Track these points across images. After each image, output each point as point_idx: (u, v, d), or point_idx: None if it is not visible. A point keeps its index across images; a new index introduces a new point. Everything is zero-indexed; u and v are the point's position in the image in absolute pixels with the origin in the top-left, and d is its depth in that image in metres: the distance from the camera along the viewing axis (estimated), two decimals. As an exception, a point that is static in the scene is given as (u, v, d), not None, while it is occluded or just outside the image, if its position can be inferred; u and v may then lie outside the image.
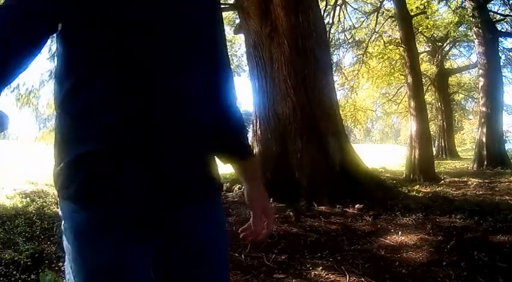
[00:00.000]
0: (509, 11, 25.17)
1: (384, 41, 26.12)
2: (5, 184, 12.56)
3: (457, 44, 36.81)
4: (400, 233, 6.97)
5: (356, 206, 9.23)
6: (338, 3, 23.08)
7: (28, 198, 10.26)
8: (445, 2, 27.14)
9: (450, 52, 39.03)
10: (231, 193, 11.74)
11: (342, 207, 9.32)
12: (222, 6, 17.67)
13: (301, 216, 8.53)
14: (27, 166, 18.56)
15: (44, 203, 9.75)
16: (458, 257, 5.64)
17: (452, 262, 5.44)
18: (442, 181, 15.75)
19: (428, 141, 17.13)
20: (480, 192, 12.85)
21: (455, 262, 5.45)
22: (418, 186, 13.55)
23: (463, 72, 41.48)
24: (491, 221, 7.80)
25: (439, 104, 37.16)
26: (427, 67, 35.81)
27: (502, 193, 12.42)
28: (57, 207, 2.03)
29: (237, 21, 16.90)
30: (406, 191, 12.39)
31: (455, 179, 16.73)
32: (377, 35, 25.62)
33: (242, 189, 11.39)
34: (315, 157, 10.76)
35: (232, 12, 20.82)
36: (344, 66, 28.10)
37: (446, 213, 8.58)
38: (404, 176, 16.94)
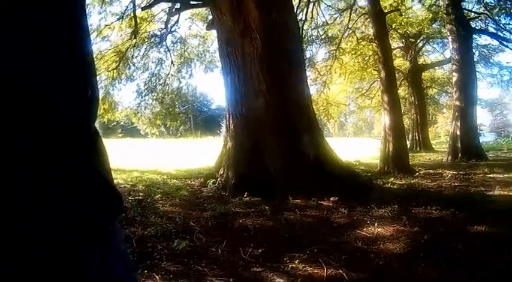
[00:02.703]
0: (483, 9, 25.33)
1: (357, 37, 26.21)
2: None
3: (431, 40, 37.09)
4: (376, 224, 6.95)
5: (331, 199, 9.25)
6: (311, 0, 23.08)
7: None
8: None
9: (424, 48, 39.37)
10: (205, 188, 11.66)
11: (317, 200, 9.30)
12: (194, 2, 17.68)
13: (276, 210, 8.46)
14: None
15: None
16: (435, 248, 5.63)
17: (429, 253, 5.42)
18: (417, 173, 15.85)
19: (401, 134, 17.20)
20: (455, 184, 12.90)
21: (432, 253, 5.43)
22: (392, 179, 13.61)
23: (436, 67, 41.88)
24: (467, 212, 7.82)
25: (413, 98, 37.46)
26: (401, 63, 36.09)
27: (477, 184, 12.44)
28: None
29: (210, 17, 16.72)
30: (381, 183, 12.53)
31: (430, 171, 16.92)
32: (350, 32, 25.67)
33: (216, 184, 11.42)
34: (289, 152, 10.77)
35: (205, 8, 20.72)
36: (317, 62, 28.11)
37: (422, 205, 8.56)
38: (378, 168, 17.00)
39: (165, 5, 21.14)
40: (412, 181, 13.54)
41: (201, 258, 5.38)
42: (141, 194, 10.74)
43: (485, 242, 5.87)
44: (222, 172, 11.89)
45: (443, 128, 58.96)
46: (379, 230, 6.70)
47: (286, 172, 10.40)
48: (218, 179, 11.81)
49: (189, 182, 13.48)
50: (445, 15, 22.36)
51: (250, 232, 6.71)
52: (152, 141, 47.06)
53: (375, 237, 6.35)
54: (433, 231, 6.47)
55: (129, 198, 9.83)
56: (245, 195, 9.76)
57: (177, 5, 18.16)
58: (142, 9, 19.58)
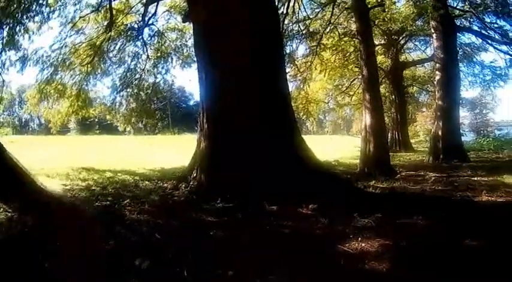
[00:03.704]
0: (468, 7, 25.02)
1: (339, 33, 25.86)
2: None
3: (413, 37, 36.92)
4: (359, 238, 6.35)
5: (310, 206, 8.59)
6: (293, -6, 22.66)
7: None
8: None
9: (405, 46, 39.22)
10: (177, 192, 11.04)
11: (295, 207, 8.67)
12: None
13: (250, 219, 7.86)
14: None
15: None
16: (425, 267, 5.10)
17: (420, 274, 4.89)
18: (399, 175, 15.46)
19: (383, 134, 16.93)
20: (439, 188, 12.44)
21: (424, 274, 4.90)
22: (374, 182, 13.18)
23: (417, 65, 41.82)
24: (456, 222, 7.34)
25: (393, 96, 37.28)
26: (382, 60, 35.87)
27: (462, 189, 11.91)
28: None
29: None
30: (362, 187, 12.00)
31: (412, 172, 16.51)
32: (332, 27, 25.28)
33: (189, 188, 10.83)
34: (266, 153, 10.25)
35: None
36: (297, 58, 27.70)
37: (407, 213, 7.96)
38: (358, 169, 16.60)
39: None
40: (394, 184, 13.05)
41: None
42: (109, 198, 10.13)
43: (481, 259, 5.34)
44: (195, 175, 11.35)
45: (422, 127, 59.05)
46: (363, 244, 6.11)
47: (262, 176, 9.81)
48: (191, 183, 11.26)
49: (162, 184, 12.85)
50: (433, 10, 21.89)
51: (221, 247, 6.14)
52: (129, 138, 46.79)
53: (358, 253, 5.78)
54: (422, 246, 5.95)
55: (96, 204, 9.34)
56: (218, 201, 9.16)
57: None
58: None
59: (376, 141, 16.05)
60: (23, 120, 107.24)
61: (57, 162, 19.37)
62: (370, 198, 10.19)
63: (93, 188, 12.14)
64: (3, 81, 17.48)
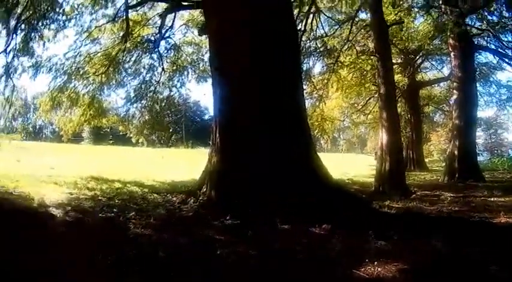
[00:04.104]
0: (486, 25, 24.68)
1: (357, 51, 25.57)
2: None
3: (430, 57, 36.63)
4: (375, 262, 5.99)
5: (323, 226, 8.20)
6: (312, 11, 22.45)
7: None
8: (422, 14, 26.65)
9: (422, 65, 38.96)
10: (186, 206, 10.77)
11: (308, 226, 8.29)
12: (185, 3, 17.00)
13: (260, 239, 7.50)
14: None
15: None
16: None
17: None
18: (414, 195, 15.11)
19: (399, 153, 16.58)
20: (456, 209, 12.07)
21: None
22: (389, 201, 12.77)
23: (433, 85, 41.53)
24: (476, 246, 6.92)
25: (409, 115, 36.88)
26: (399, 79, 35.51)
27: (479, 210, 11.60)
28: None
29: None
30: (378, 207, 11.61)
31: (427, 192, 16.15)
32: (350, 45, 24.99)
33: (198, 203, 10.52)
34: (280, 170, 9.95)
35: (199, 11, 20.08)
36: (313, 75, 27.39)
37: (425, 235, 7.61)
38: (373, 188, 16.27)
39: (159, 8, 20.57)
40: (409, 204, 12.71)
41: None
42: (114, 210, 9.89)
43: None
44: (204, 189, 11.14)
45: (436, 147, 58.76)
46: (379, 269, 5.75)
47: (275, 193, 9.53)
48: (200, 197, 11.02)
49: (171, 197, 12.54)
50: (454, 27, 21.51)
51: (228, 270, 5.80)
52: (142, 150, 46.72)
53: (374, 279, 5.43)
54: (443, 273, 5.58)
55: (99, 215, 9.08)
56: (228, 218, 8.85)
57: (168, 5, 17.63)
58: (131, 7, 18.84)
59: (392, 160, 15.72)
60: (37, 127, 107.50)
61: (66, 170, 19.23)
62: (385, 218, 9.86)
63: (99, 198, 11.82)
64: (14, 86, 17.27)
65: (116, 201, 11.47)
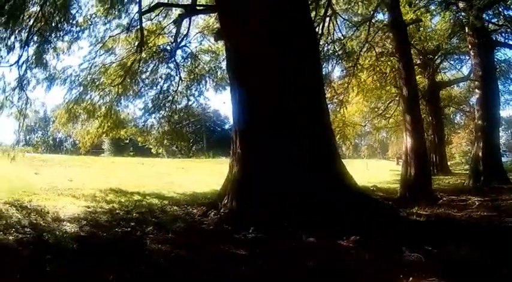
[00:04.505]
0: (503, 21, 24.16)
1: (376, 53, 25.15)
2: None
3: (448, 56, 36.10)
4: (410, 277, 5.55)
5: (352, 238, 7.78)
6: (328, 14, 22.12)
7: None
8: (438, 12, 26.22)
9: (441, 65, 38.37)
10: (207, 219, 10.44)
11: (335, 238, 7.89)
12: (199, 8, 16.76)
13: (284, 253, 7.10)
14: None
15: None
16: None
17: None
18: (440, 200, 14.65)
19: (424, 157, 16.17)
20: (485, 214, 11.76)
21: None
22: (416, 208, 12.30)
23: (453, 85, 41.00)
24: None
25: (430, 118, 36.31)
26: (419, 80, 34.95)
27: (509, 214, 11.29)
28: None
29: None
30: (405, 214, 11.26)
31: (453, 197, 15.76)
32: (368, 46, 24.61)
33: (219, 216, 10.17)
34: (305, 179, 9.64)
35: (214, 18, 19.85)
36: (333, 80, 27.00)
37: (457, 244, 7.18)
38: (399, 195, 15.87)
39: (174, 16, 20.38)
40: (437, 210, 12.31)
41: None
42: (132, 224, 9.59)
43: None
44: (226, 201, 10.73)
45: (458, 149, 58.07)
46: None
47: (299, 203, 9.18)
48: (221, 209, 10.64)
49: (191, 209, 12.26)
50: (477, 21, 21.00)
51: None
52: (162, 161, 46.70)
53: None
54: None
55: (115, 230, 8.77)
56: (250, 231, 8.49)
57: (183, 10, 17.46)
58: (144, 12, 18.59)
59: (418, 165, 15.29)
60: (57, 139, 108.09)
61: (85, 183, 19.11)
62: (415, 227, 9.44)
63: (117, 211, 11.62)
64: (28, 98, 17.10)
65: (134, 214, 11.21)
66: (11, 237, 7.63)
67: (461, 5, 21.93)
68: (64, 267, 5.96)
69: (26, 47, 16.06)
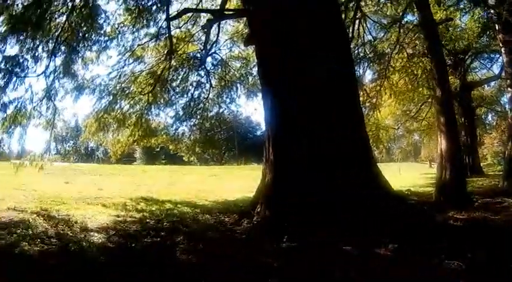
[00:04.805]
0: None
1: (407, 54, 24.83)
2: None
3: (478, 55, 35.65)
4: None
5: (389, 246, 7.53)
6: (357, 17, 21.93)
7: (4, 230, 8.94)
8: (467, 10, 25.84)
9: (472, 65, 37.90)
10: (239, 227, 10.26)
11: (372, 246, 7.62)
12: (227, 12, 16.67)
13: (320, 263, 6.84)
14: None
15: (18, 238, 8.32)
16: None
17: None
18: (476, 203, 14.28)
19: (459, 159, 15.76)
20: (524, 217, 11.33)
21: None
22: (453, 212, 11.96)
23: (484, 85, 40.50)
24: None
25: (462, 119, 35.78)
26: (450, 81, 34.59)
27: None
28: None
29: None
30: (442, 219, 10.90)
31: (488, 199, 15.23)
32: (400, 48, 24.32)
33: (252, 224, 9.98)
34: (339, 186, 9.46)
35: (244, 24, 19.76)
36: (365, 83, 26.71)
37: (499, 252, 6.93)
38: (434, 199, 15.37)
39: (203, 23, 20.38)
40: (474, 214, 11.90)
41: None
42: (162, 234, 9.46)
43: None
44: (259, 209, 10.53)
45: (490, 150, 57.27)
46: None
47: (334, 210, 8.98)
48: (255, 217, 10.44)
49: (223, 218, 12.08)
50: (508, 18, 20.53)
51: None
52: (194, 168, 46.93)
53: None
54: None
55: (144, 240, 8.69)
56: (285, 240, 8.25)
57: (211, 16, 17.44)
58: (172, 18, 18.54)
59: (453, 168, 14.83)
60: (89, 148, 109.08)
61: (116, 192, 19.29)
62: (453, 233, 9.12)
63: (147, 220, 11.47)
64: (56, 108, 17.14)
65: (165, 223, 11.05)
66: (36, 248, 7.53)
67: (491, 1, 21.52)
68: (88, 279, 5.85)
69: (53, 57, 16.13)
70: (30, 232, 8.76)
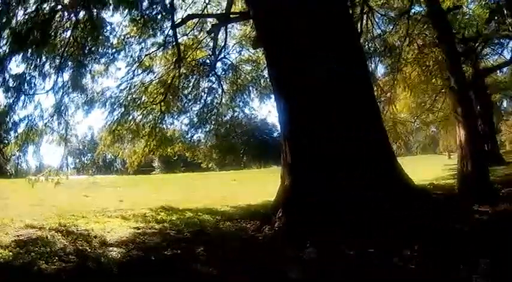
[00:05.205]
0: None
1: (418, 45, 24.58)
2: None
3: (489, 41, 35.34)
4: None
5: (416, 247, 7.14)
6: (364, 11, 21.75)
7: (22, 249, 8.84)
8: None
9: (483, 51, 37.59)
10: (260, 234, 10.13)
11: (398, 248, 7.31)
12: (233, 16, 16.59)
13: (345, 270, 6.63)
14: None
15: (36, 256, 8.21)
16: None
17: None
18: (500, 194, 13.96)
19: (480, 150, 15.52)
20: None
21: None
22: (477, 206, 11.64)
23: (496, 71, 40.19)
24: None
25: (478, 107, 35.43)
26: (463, 69, 34.38)
27: None
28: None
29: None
30: (467, 213, 10.58)
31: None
32: (410, 39, 24.10)
33: (273, 231, 9.84)
34: (360, 187, 9.28)
35: (251, 27, 19.67)
36: (379, 78, 26.51)
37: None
38: (457, 191, 15.06)
39: (209, 27, 20.27)
40: (499, 207, 11.49)
41: None
42: (182, 244, 9.31)
43: None
44: (280, 215, 10.25)
45: (507, 137, 56.93)
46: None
47: (354, 215, 8.75)
48: (276, 224, 10.16)
49: (244, 224, 11.95)
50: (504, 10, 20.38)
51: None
52: (214, 174, 46.99)
53: None
54: None
55: (165, 252, 8.53)
56: (308, 245, 7.96)
57: (216, 21, 17.41)
58: (177, 25, 18.45)
59: (474, 159, 14.54)
60: (107, 160, 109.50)
61: (136, 202, 19.16)
62: (480, 229, 8.83)
63: (167, 231, 11.31)
64: (68, 123, 17.16)
65: (186, 233, 10.92)
66: (53, 267, 7.43)
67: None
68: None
69: (61, 72, 16.21)
70: (48, 249, 8.65)
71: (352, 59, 11.02)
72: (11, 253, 8.38)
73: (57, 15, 15.74)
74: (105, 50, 17.66)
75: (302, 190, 9.95)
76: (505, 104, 56.09)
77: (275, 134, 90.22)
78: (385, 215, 8.72)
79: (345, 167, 9.52)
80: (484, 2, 24.79)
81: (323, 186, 9.51)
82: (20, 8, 14.80)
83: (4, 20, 14.51)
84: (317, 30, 10.45)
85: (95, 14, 15.93)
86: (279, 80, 11.36)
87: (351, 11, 19.35)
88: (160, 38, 19.81)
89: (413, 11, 23.54)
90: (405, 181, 10.34)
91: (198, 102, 23.96)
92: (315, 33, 10.42)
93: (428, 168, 35.20)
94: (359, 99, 10.54)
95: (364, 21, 22.27)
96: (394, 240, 7.72)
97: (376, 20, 24.04)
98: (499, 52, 38.59)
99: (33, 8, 14.97)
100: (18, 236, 10.23)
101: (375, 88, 23.64)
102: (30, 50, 15.30)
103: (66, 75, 16.79)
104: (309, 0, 10.74)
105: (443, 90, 26.44)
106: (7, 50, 15.06)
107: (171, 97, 21.86)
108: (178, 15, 19.99)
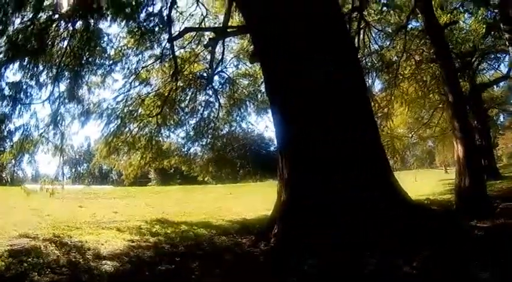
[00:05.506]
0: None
1: (415, 60, 24.65)
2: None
3: (485, 56, 35.46)
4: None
5: (414, 264, 7.11)
6: (361, 27, 21.78)
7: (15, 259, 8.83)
8: (471, 11, 25.73)
9: (480, 66, 37.76)
10: (256, 249, 9.99)
11: (393, 260, 7.33)
12: (230, 30, 16.58)
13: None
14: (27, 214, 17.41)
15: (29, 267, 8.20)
16: None
17: None
18: (497, 209, 13.92)
19: (478, 165, 15.47)
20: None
21: None
22: (475, 221, 11.63)
23: (493, 85, 40.44)
24: None
25: (475, 122, 35.49)
26: (460, 84, 34.46)
27: None
28: None
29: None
30: (466, 228, 10.52)
31: (509, 203, 14.95)
32: (407, 55, 24.17)
33: (269, 247, 9.78)
34: (355, 188, 9.25)
35: (248, 41, 19.67)
36: (376, 93, 26.52)
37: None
38: (455, 207, 15.07)
39: (206, 41, 20.26)
40: (497, 222, 11.55)
41: None
42: (177, 259, 9.17)
43: None
44: (276, 230, 10.15)
45: (504, 151, 57.10)
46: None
47: (350, 216, 8.81)
48: (272, 239, 10.05)
49: (240, 239, 11.80)
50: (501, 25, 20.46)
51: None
52: (210, 188, 47.01)
53: None
54: None
55: (158, 268, 8.40)
56: (306, 261, 7.86)
57: (213, 34, 17.44)
58: (175, 38, 18.43)
59: (472, 174, 14.52)
60: (103, 171, 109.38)
61: (131, 214, 19.22)
62: (479, 243, 8.81)
63: (162, 245, 11.22)
64: (63, 134, 17.10)
65: (180, 248, 10.81)
66: (45, 278, 7.40)
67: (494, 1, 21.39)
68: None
69: (57, 82, 16.19)
70: (41, 261, 8.63)
71: (348, 61, 11.06)
72: (3, 263, 8.35)
73: (54, 25, 15.69)
74: (102, 61, 17.67)
75: (298, 193, 9.94)
76: (501, 118, 56.10)
77: (272, 148, 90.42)
78: (381, 215, 8.78)
79: (340, 169, 9.49)
80: (480, 17, 24.83)
81: (319, 188, 9.47)
82: (16, 15, 14.79)
83: (0, 28, 14.47)
84: (314, 32, 10.45)
85: (92, 24, 15.91)
86: (276, 96, 11.31)
87: (348, 27, 19.46)
88: (157, 51, 19.80)
89: (410, 26, 23.61)
90: (402, 196, 10.27)
91: (195, 116, 23.86)
92: (311, 36, 10.41)
93: (425, 182, 35.29)
94: (354, 101, 10.53)
95: (361, 37, 22.25)
96: (390, 239, 7.72)
97: (373, 35, 24.02)
98: (496, 67, 38.78)
99: (30, 16, 14.97)
100: (11, 245, 10.22)
101: (372, 103, 23.75)
102: (26, 59, 15.28)
103: (62, 86, 16.76)
104: (305, 3, 10.73)
105: (440, 105, 26.42)
106: (3, 58, 15.05)
107: (167, 110, 21.79)
108: (176, 28, 20.03)
